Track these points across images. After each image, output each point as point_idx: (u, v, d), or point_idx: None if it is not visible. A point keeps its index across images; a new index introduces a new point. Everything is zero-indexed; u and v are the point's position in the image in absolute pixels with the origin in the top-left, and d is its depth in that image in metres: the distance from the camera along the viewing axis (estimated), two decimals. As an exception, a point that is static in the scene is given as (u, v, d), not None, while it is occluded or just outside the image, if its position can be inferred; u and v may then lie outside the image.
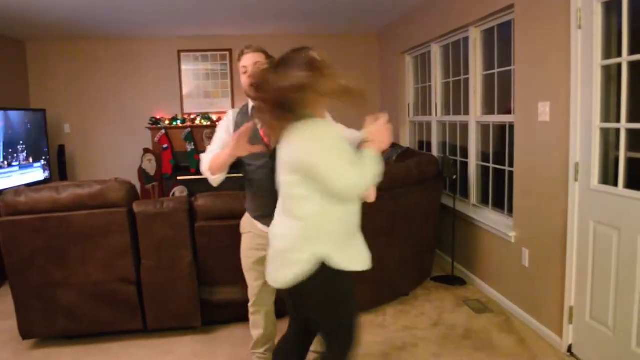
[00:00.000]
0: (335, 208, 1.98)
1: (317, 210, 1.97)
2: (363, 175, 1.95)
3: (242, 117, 2.61)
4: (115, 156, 7.25)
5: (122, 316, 3.43)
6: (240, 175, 2.63)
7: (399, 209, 3.77)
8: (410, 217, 3.90)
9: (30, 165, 5.95)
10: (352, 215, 2.08)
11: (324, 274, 1.95)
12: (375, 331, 3.56)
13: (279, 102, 1.94)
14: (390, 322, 3.71)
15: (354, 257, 2.06)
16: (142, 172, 7.04)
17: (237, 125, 2.54)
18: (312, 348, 2.43)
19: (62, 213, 3.24)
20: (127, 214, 3.29)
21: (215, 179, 2.52)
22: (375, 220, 3.63)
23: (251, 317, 2.85)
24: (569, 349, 3.14)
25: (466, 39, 4.60)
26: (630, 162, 2.70)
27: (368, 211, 3.59)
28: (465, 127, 4.74)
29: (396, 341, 3.41)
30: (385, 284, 3.87)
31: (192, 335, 3.57)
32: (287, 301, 2.30)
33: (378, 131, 2.06)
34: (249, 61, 2.49)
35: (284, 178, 2.05)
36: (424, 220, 4.12)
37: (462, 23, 4.48)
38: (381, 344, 3.38)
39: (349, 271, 2.00)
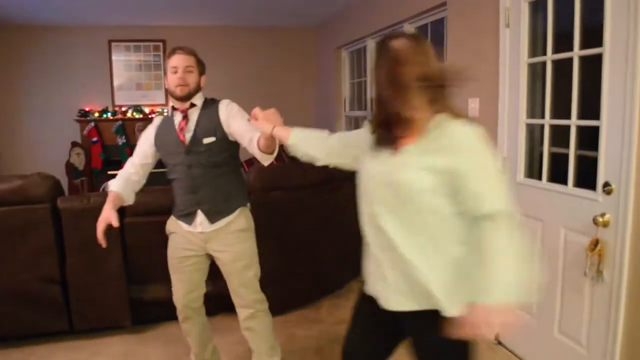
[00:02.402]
0: None
1: None
2: None
3: (164, 122, 2.63)
4: (42, 150, 6.91)
5: (46, 317, 3.26)
6: (166, 170, 2.63)
7: (334, 201, 3.78)
8: (345, 209, 3.92)
9: (-55, 159, 5.58)
10: None
11: None
12: (310, 325, 3.56)
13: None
14: (325, 316, 3.72)
15: None
16: (70, 167, 6.75)
17: (158, 133, 2.61)
18: None
19: (-21, 209, 3.05)
20: (50, 210, 3.14)
21: None
22: (311, 213, 3.64)
23: (182, 325, 2.77)
24: (496, 337, 3.24)
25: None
26: (553, 156, 2.81)
27: (304, 204, 3.61)
28: (399, 122, 4.80)
29: (331, 334, 3.42)
30: (321, 277, 3.87)
31: (122, 335, 3.45)
32: None
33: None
34: (182, 63, 2.47)
35: None
36: (359, 214, 4.15)
37: (397, 19, 4.54)
38: (316, 338, 3.39)
39: None
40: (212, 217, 2.52)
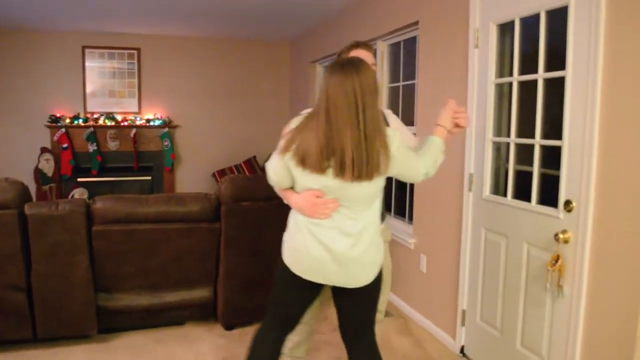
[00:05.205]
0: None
1: (378, 207, 2.10)
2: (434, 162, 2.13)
3: None
4: (10, 155, 6.78)
5: (9, 325, 3.20)
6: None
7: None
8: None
9: None
10: None
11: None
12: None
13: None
14: (294, 328, 3.72)
15: None
16: (38, 173, 6.64)
17: None
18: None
19: (-57, 214, 3.00)
20: (17, 216, 3.10)
21: None
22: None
23: None
24: (462, 350, 3.30)
25: (374, 52, 4.73)
26: (518, 174, 2.90)
27: (270, 216, 3.62)
28: (371, 136, 4.87)
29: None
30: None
31: (87, 344, 3.40)
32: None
33: (449, 115, 2.22)
34: (369, 60, 2.31)
35: (373, 186, 1.98)
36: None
37: (371, 36, 4.61)
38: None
39: None
40: None
